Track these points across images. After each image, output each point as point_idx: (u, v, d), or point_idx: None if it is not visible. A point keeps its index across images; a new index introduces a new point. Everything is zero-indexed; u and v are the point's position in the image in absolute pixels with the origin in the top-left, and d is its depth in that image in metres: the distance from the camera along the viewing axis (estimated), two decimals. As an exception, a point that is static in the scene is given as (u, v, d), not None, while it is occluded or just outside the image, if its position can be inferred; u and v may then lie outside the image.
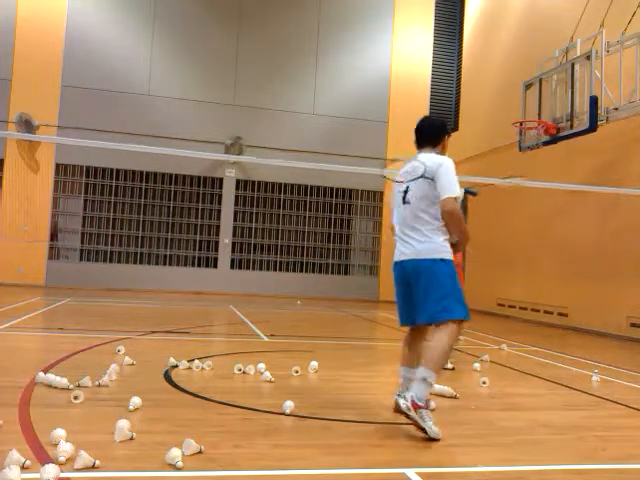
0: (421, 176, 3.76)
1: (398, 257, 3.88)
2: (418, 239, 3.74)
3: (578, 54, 9.76)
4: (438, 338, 3.61)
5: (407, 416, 3.47)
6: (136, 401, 3.73)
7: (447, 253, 3.73)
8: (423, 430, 3.43)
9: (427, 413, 3.46)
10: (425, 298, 3.67)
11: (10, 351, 5.83)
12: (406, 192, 3.86)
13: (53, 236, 15.33)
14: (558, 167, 11.40)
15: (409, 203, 3.82)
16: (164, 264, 15.94)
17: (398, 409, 3.54)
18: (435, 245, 3.71)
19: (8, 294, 12.01)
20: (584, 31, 10.15)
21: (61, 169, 15.39)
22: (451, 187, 3.71)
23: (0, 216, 14.72)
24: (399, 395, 3.66)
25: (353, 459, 3.07)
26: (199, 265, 16.14)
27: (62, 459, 2.72)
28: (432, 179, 3.72)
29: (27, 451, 2.82)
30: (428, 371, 3.52)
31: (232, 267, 16.23)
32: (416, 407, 3.44)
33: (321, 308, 13.14)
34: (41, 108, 14.94)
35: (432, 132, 4.03)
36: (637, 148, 9.92)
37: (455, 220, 3.73)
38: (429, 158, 3.84)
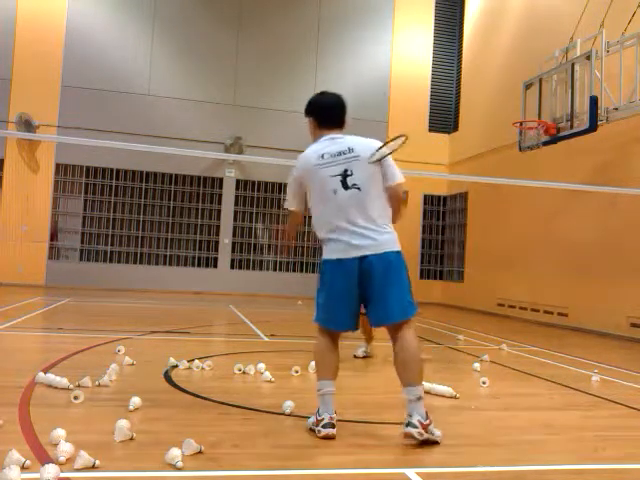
0: (371, 159, 3.45)
1: (349, 252, 3.37)
2: (377, 229, 3.39)
3: (578, 54, 9.76)
4: (414, 346, 3.38)
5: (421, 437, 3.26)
6: (136, 401, 3.73)
7: None
8: (435, 443, 3.29)
9: (431, 425, 3.32)
10: (394, 294, 3.37)
11: (10, 351, 5.83)
12: (346, 176, 3.43)
13: (53, 236, 15.33)
14: (558, 167, 11.39)
15: (357, 189, 3.41)
16: (164, 264, 15.93)
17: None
18: (395, 236, 3.46)
19: (8, 294, 12.01)
20: (584, 31, 10.15)
21: (61, 169, 15.38)
22: (398, 171, 3.55)
23: (0, 216, 14.72)
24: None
25: (353, 459, 3.07)
26: (199, 265, 16.14)
27: (62, 459, 2.72)
28: (378, 163, 3.47)
29: (27, 451, 2.82)
30: (420, 387, 3.33)
31: (232, 267, 16.23)
32: (426, 427, 3.25)
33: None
34: (41, 108, 14.94)
35: (344, 110, 3.73)
36: (637, 148, 9.91)
37: (399, 205, 3.56)
38: (359, 140, 3.60)
